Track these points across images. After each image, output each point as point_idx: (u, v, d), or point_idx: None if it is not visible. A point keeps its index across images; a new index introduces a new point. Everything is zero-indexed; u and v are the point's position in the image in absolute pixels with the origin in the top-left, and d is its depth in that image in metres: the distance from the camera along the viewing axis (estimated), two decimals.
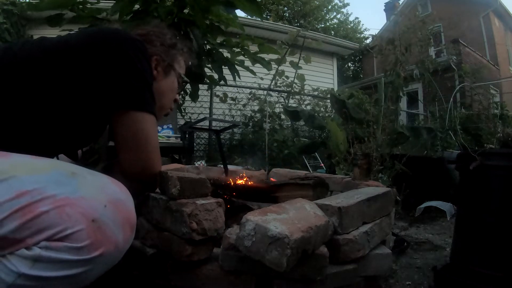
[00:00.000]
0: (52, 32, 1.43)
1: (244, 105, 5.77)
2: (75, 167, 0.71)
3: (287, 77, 5.68)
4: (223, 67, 3.85)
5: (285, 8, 16.66)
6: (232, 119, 5.62)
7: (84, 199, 0.63)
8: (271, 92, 5.73)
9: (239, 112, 5.79)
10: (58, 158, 0.97)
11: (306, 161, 4.50)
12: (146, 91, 0.87)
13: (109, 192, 0.68)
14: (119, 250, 0.67)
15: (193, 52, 1.30)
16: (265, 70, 4.13)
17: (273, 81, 5.67)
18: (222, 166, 2.14)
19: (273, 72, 4.87)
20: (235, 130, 5.52)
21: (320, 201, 1.13)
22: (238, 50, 3.83)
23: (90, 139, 1.01)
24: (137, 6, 3.36)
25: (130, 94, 0.84)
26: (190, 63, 1.22)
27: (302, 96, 6.04)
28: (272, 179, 2.00)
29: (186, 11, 3.40)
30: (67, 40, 0.86)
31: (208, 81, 4.21)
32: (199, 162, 3.86)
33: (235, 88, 5.51)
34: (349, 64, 17.73)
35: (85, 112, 0.86)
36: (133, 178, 0.89)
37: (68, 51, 0.82)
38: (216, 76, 3.99)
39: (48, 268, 0.59)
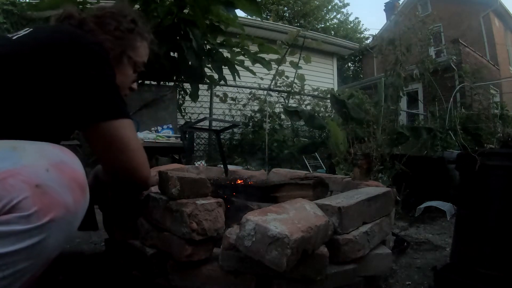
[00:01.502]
0: None
1: (244, 105, 5.77)
2: (17, 142, 0.69)
3: (287, 77, 5.68)
4: (223, 67, 3.86)
5: (285, 8, 16.66)
6: (232, 119, 5.62)
7: (26, 167, 0.62)
8: (271, 92, 5.73)
9: (239, 112, 5.79)
10: None
11: (306, 161, 4.50)
12: (115, 97, 0.84)
13: (50, 156, 0.67)
14: (71, 213, 0.65)
15: (157, 37, 1.21)
16: (265, 70, 4.15)
17: (273, 81, 5.67)
18: (222, 166, 2.13)
19: (273, 72, 4.87)
20: (235, 130, 5.52)
21: (320, 201, 1.13)
22: (238, 50, 3.84)
23: (58, 138, 0.95)
24: (137, 6, 3.37)
25: (100, 105, 0.81)
26: (154, 49, 1.16)
27: (302, 96, 6.04)
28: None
29: (186, 11, 3.41)
30: (35, 38, 0.83)
31: (208, 81, 4.22)
32: (199, 162, 3.86)
33: (235, 88, 5.51)
34: (349, 64, 17.74)
35: (53, 116, 0.82)
36: (123, 183, 0.90)
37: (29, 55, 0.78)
38: (216, 76, 4.00)
39: (2, 244, 0.57)
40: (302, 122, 4.39)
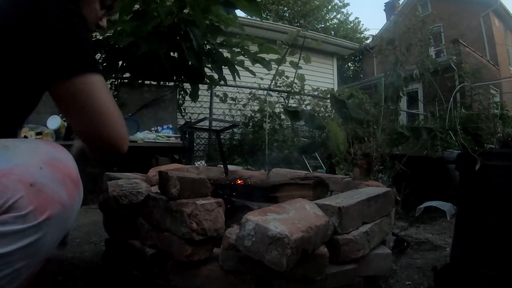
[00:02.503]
0: None
1: (244, 105, 5.77)
2: (7, 140, 0.68)
3: (287, 77, 5.67)
4: (223, 67, 3.86)
5: (285, 8, 16.66)
6: (232, 119, 5.62)
7: (18, 166, 0.61)
8: (271, 92, 5.73)
9: (239, 112, 5.78)
10: None
11: (306, 161, 4.50)
12: (83, 50, 0.73)
13: (43, 154, 0.66)
14: (66, 209, 0.64)
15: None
16: (265, 70, 4.15)
17: (273, 81, 5.67)
18: (222, 166, 2.13)
19: (273, 72, 4.87)
20: (235, 130, 5.51)
21: (320, 201, 1.13)
22: (238, 50, 3.84)
23: (24, 113, 0.86)
24: (137, 6, 3.37)
25: (64, 58, 0.70)
26: None
27: (302, 96, 6.03)
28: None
29: (186, 11, 3.41)
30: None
31: (208, 81, 4.22)
32: (199, 162, 3.86)
33: (235, 88, 5.51)
34: (349, 64, 17.72)
35: (16, 85, 0.75)
36: (96, 150, 0.79)
37: None
38: (216, 76, 4.00)
39: (0, 245, 0.57)
40: (302, 122, 4.39)
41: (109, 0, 0.95)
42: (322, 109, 5.97)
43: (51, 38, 0.70)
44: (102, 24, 0.96)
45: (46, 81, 0.72)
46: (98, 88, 0.73)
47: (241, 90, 5.70)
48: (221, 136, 3.41)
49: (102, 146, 0.76)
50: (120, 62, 3.63)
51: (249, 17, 5.95)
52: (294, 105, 5.77)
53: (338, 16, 18.58)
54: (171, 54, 3.64)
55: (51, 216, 0.61)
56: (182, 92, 4.30)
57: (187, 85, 4.17)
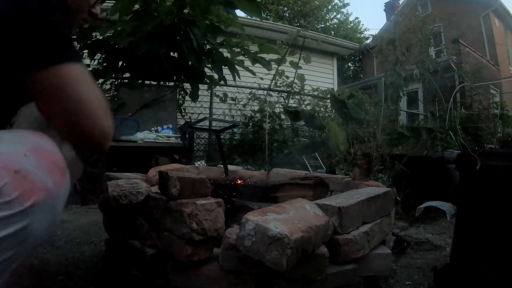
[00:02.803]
0: None
1: (244, 105, 5.77)
2: None
3: (287, 77, 5.67)
4: (223, 67, 3.86)
5: (285, 8, 16.66)
6: (232, 119, 5.62)
7: (3, 154, 0.60)
8: (271, 92, 5.73)
9: (239, 112, 5.78)
10: None
11: (306, 161, 4.50)
12: (58, 37, 0.67)
13: (27, 142, 0.65)
14: (52, 196, 0.64)
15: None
16: (265, 70, 4.15)
17: (273, 81, 5.67)
18: (222, 166, 2.13)
19: (273, 72, 4.87)
20: (235, 130, 5.51)
21: (320, 201, 1.13)
22: (238, 50, 3.85)
23: (10, 109, 0.80)
24: (137, 6, 3.37)
25: (37, 46, 0.65)
26: None
27: (302, 96, 6.03)
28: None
29: (186, 11, 3.41)
30: None
31: (208, 81, 4.23)
32: (199, 162, 3.86)
33: (235, 88, 5.51)
34: (349, 64, 17.72)
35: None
36: (75, 145, 0.75)
37: None
38: (216, 76, 4.00)
39: None
40: (302, 122, 4.39)
41: None
42: (322, 109, 5.96)
43: (22, 24, 0.65)
44: (95, 11, 0.90)
45: (20, 73, 0.66)
46: (76, 77, 0.68)
47: (241, 90, 5.70)
48: (221, 136, 3.41)
49: (81, 142, 0.71)
50: (120, 62, 3.63)
51: (249, 17, 5.95)
52: (294, 105, 5.77)
53: (338, 16, 18.61)
54: (171, 54, 3.64)
55: (36, 202, 0.60)
56: (182, 92, 4.30)
57: (187, 85, 4.17)
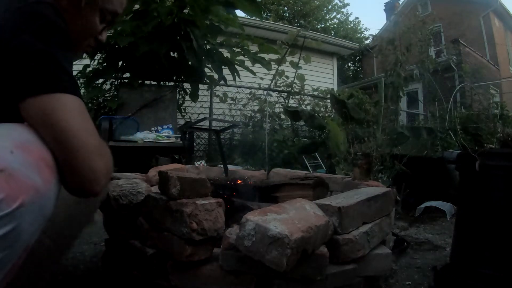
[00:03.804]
0: None
1: (244, 105, 5.77)
2: None
3: (287, 77, 5.68)
4: (223, 67, 3.86)
5: (285, 8, 16.66)
6: (232, 119, 5.62)
7: None
8: (271, 92, 5.73)
9: (239, 112, 5.79)
10: None
11: (306, 161, 4.50)
12: (52, 66, 0.66)
13: (14, 137, 0.61)
14: (42, 194, 0.60)
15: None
16: (265, 70, 4.15)
17: (273, 81, 5.67)
18: (222, 166, 2.13)
19: (273, 72, 4.87)
20: (235, 130, 5.52)
21: (320, 201, 1.13)
22: (238, 50, 3.85)
23: None
24: (137, 6, 3.37)
25: (29, 75, 0.64)
26: None
27: (302, 96, 6.04)
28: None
29: (186, 11, 3.41)
30: None
31: (208, 81, 4.23)
32: (199, 162, 3.86)
33: (235, 88, 5.51)
34: (349, 64, 17.72)
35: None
36: (70, 188, 0.68)
37: None
38: (216, 76, 4.01)
39: None
40: (302, 122, 4.39)
41: (110, 15, 0.89)
42: (322, 109, 5.97)
43: (19, 52, 0.64)
44: (101, 38, 0.90)
45: (15, 98, 0.64)
46: (69, 109, 0.65)
47: (241, 90, 5.70)
48: (221, 136, 3.42)
49: (70, 181, 0.66)
50: (120, 62, 3.63)
51: (249, 17, 5.95)
52: (294, 105, 5.77)
53: (338, 16, 18.59)
54: (171, 54, 3.65)
55: (24, 203, 0.57)
56: (182, 92, 4.30)
57: (187, 85, 4.18)
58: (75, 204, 0.84)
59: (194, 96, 3.94)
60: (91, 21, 0.86)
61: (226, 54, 3.84)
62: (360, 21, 26.35)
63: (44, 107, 0.63)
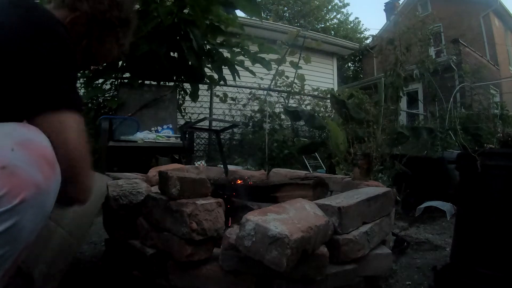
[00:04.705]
0: None
1: (244, 105, 5.77)
2: None
3: (287, 77, 5.68)
4: (223, 67, 3.86)
5: (285, 8, 16.67)
6: (232, 119, 5.62)
7: None
8: (271, 92, 5.73)
9: (239, 112, 5.79)
10: None
11: (306, 161, 4.50)
12: (62, 83, 0.72)
13: (15, 136, 0.63)
14: (42, 191, 0.62)
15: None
16: (265, 70, 4.15)
17: (273, 81, 5.68)
18: (222, 166, 2.14)
19: (273, 72, 4.87)
20: (235, 130, 5.52)
21: (320, 201, 1.13)
22: (238, 50, 3.85)
23: None
24: (137, 6, 3.37)
25: (40, 91, 0.69)
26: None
27: (302, 96, 6.04)
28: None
29: (186, 11, 3.41)
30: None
31: (208, 81, 4.23)
32: (199, 162, 3.86)
33: (235, 88, 5.51)
34: (349, 64, 17.72)
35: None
36: (64, 195, 0.73)
37: None
38: (216, 76, 4.00)
39: None
40: (302, 122, 4.39)
41: (123, 39, 1.01)
42: (322, 109, 5.97)
43: (38, 67, 0.69)
44: (123, 49, 1.03)
45: (26, 115, 0.70)
46: (67, 127, 0.71)
47: (241, 90, 5.70)
48: (221, 136, 3.41)
49: (66, 188, 0.70)
50: (120, 62, 3.63)
51: (249, 17, 5.95)
52: (294, 105, 5.77)
53: (338, 16, 18.60)
54: (171, 54, 3.64)
55: (25, 199, 0.59)
56: (182, 92, 4.30)
57: (187, 85, 4.17)
58: None
59: (194, 96, 3.94)
60: (111, 47, 0.98)
61: (226, 54, 3.84)
62: (360, 21, 26.37)
63: (48, 124, 0.70)
